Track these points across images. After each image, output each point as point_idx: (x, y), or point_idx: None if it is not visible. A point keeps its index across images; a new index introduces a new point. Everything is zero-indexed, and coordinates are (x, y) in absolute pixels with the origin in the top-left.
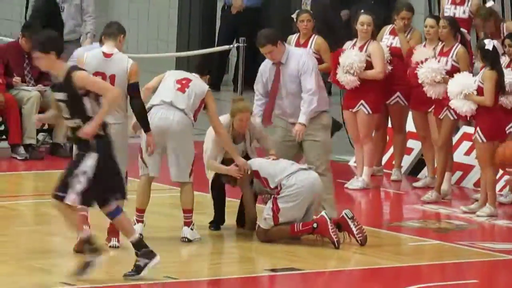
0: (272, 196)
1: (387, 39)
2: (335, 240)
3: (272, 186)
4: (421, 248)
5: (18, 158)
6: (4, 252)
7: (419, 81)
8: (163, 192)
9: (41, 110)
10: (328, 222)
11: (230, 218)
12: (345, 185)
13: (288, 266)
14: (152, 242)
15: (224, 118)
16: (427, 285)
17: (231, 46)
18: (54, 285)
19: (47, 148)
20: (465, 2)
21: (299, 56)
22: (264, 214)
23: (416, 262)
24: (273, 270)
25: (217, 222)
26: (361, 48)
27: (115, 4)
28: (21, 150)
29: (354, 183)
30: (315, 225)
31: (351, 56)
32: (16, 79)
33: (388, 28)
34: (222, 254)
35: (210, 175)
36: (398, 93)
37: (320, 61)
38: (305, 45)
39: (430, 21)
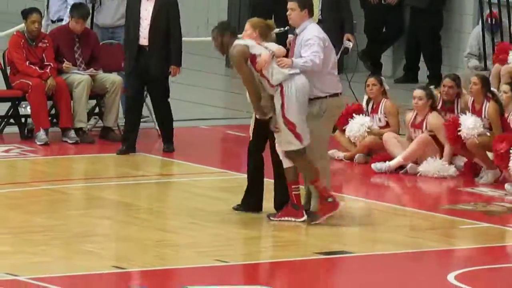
0: (281, 116)
1: None
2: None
3: (274, 84)
4: (472, 231)
5: (69, 142)
6: (55, 236)
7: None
8: (212, 176)
9: (92, 94)
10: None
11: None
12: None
13: (338, 249)
14: (201, 225)
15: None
16: (477, 268)
17: (283, 29)
18: (105, 269)
19: (98, 131)
20: None
21: (306, 34)
22: (286, 138)
23: (467, 245)
24: (324, 253)
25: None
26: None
27: None
28: (72, 134)
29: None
30: (330, 199)
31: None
32: (67, 64)
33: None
34: (271, 237)
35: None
36: None
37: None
38: (375, 111)
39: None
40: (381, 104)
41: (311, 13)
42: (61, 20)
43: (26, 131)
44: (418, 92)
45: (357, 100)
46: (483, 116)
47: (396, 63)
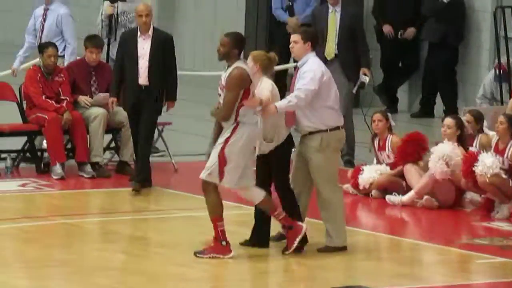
0: (220, 148)
1: None
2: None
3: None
4: (489, 266)
5: (85, 176)
6: (71, 270)
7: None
8: (227, 210)
9: (108, 128)
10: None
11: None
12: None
13: (354, 283)
14: (215, 259)
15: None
16: None
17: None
18: None
19: (114, 166)
20: None
21: (305, 67)
22: (210, 168)
23: (483, 280)
24: None
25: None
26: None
27: (179, 25)
28: (88, 168)
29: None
30: (223, 243)
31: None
32: (86, 100)
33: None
34: (285, 271)
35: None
36: None
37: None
38: (382, 148)
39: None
40: (387, 140)
41: (313, 46)
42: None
43: (42, 165)
44: (448, 121)
45: (372, 134)
46: (505, 156)
47: (412, 97)
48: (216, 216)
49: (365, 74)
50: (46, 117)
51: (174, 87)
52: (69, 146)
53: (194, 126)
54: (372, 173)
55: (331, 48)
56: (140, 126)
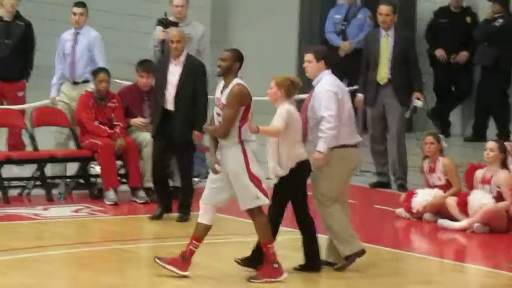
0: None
1: None
2: (259, 281)
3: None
4: None
5: (138, 201)
6: None
7: None
8: (281, 235)
9: None
10: (275, 279)
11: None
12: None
13: None
14: (271, 284)
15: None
16: None
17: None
18: None
19: None
20: None
21: (319, 87)
22: (251, 194)
23: None
24: None
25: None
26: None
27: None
28: (141, 193)
29: None
30: (275, 265)
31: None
32: (141, 121)
33: None
34: None
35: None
36: None
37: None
38: (433, 170)
39: None
40: (438, 162)
41: (327, 64)
42: (87, 81)
43: (95, 190)
44: (491, 144)
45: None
46: None
47: (465, 121)
48: (267, 239)
49: (418, 99)
50: (99, 143)
51: (201, 117)
52: (122, 171)
53: None
54: (426, 196)
55: (384, 73)
56: (178, 163)
